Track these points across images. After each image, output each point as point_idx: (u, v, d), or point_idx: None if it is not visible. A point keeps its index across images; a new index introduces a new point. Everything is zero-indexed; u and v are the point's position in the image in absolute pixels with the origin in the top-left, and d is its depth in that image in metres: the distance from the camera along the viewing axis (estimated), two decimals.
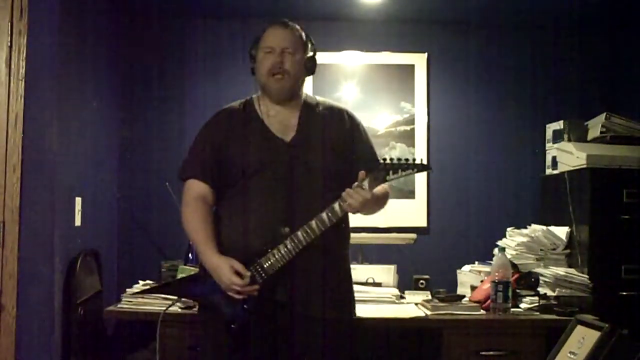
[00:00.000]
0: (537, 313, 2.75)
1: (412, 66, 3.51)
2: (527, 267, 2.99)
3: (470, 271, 3.15)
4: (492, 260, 3.06)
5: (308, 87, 2.80)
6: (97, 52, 3.07)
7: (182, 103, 3.45)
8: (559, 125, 3.29)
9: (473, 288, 2.99)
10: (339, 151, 2.27)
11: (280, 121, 2.28)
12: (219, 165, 2.26)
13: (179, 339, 2.58)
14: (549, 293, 2.87)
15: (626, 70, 3.51)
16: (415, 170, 2.09)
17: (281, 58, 2.23)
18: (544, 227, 3.08)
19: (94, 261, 2.89)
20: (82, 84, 2.86)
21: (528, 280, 2.90)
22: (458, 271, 3.22)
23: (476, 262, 3.21)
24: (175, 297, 2.44)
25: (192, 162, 2.30)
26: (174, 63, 3.47)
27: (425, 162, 2.14)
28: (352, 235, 2.38)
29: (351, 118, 2.36)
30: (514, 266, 2.93)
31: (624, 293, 2.86)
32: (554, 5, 3.26)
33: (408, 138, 3.47)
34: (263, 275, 2.13)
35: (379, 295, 2.93)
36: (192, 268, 2.79)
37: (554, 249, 3.03)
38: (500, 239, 3.20)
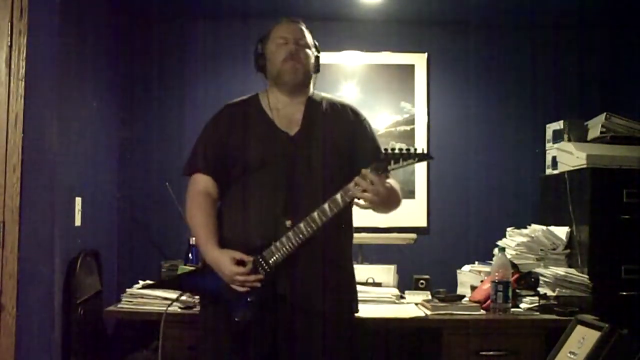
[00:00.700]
0: (537, 313, 2.75)
1: (412, 66, 3.51)
2: (527, 267, 2.99)
3: (470, 271, 3.15)
4: (492, 260, 3.06)
5: None
6: (97, 52, 3.07)
7: (182, 103, 3.45)
8: (559, 125, 3.29)
9: (473, 288, 2.99)
10: (343, 146, 2.27)
11: (286, 115, 2.28)
12: (224, 160, 2.26)
13: (179, 339, 2.58)
14: (549, 293, 2.87)
15: (626, 70, 3.51)
16: (417, 159, 2.07)
17: (296, 48, 2.25)
18: (544, 227, 3.08)
19: (94, 261, 2.89)
20: (82, 84, 2.86)
21: (528, 280, 2.90)
22: (458, 271, 3.22)
23: (476, 262, 3.21)
24: (176, 296, 2.44)
25: (197, 157, 2.30)
26: (174, 63, 3.47)
27: (426, 151, 2.11)
28: (353, 235, 2.38)
29: (356, 114, 2.37)
30: (514, 266, 2.93)
31: (624, 293, 2.85)
32: (554, 5, 3.26)
33: (408, 138, 3.47)
34: (266, 267, 2.12)
35: (379, 295, 2.93)
36: (192, 268, 2.78)
37: (554, 249, 3.03)
38: (500, 239, 3.20)
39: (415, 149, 2.08)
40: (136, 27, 3.45)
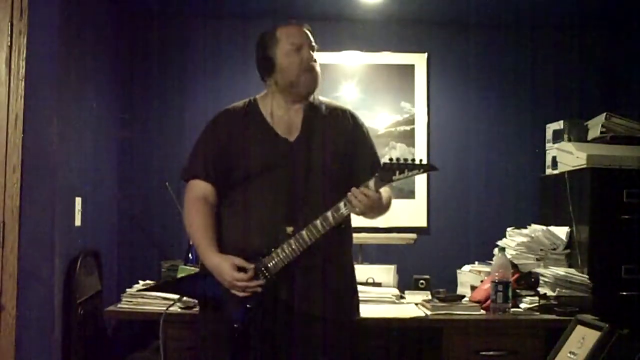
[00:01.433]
0: (537, 313, 2.75)
1: (412, 66, 3.51)
2: (527, 267, 2.99)
3: (470, 271, 3.15)
4: (492, 260, 3.07)
5: None
6: (97, 52, 3.07)
7: (182, 103, 3.45)
8: (559, 125, 3.29)
9: (473, 288, 2.99)
10: (342, 152, 2.27)
11: (285, 121, 2.27)
12: (223, 166, 2.24)
13: (179, 339, 2.58)
14: (549, 293, 2.87)
15: (626, 70, 3.51)
16: (422, 170, 2.07)
17: (312, 57, 2.24)
18: (544, 227, 3.08)
19: (94, 261, 2.89)
20: (82, 84, 2.86)
21: (528, 280, 2.90)
22: (458, 271, 3.22)
23: (476, 262, 3.21)
24: (176, 297, 2.44)
25: (194, 163, 2.28)
26: (174, 63, 3.47)
27: (432, 163, 2.11)
28: (353, 235, 2.38)
29: (354, 119, 2.36)
30: (514, 266, 2.93)
31: (624, 293, 2.86)
32: (554, 5, 3.26)
33: (408, 138, 3.47)
34: (267, 274, 2.12)
35: (379, 295, 2.93)
36: (192, 268, 2.78)
37: (554, 249, 3.03)
38: (500, 239, 3.20)
39: (421, 160, 2.08)
40: (136, 27, 3.45)
